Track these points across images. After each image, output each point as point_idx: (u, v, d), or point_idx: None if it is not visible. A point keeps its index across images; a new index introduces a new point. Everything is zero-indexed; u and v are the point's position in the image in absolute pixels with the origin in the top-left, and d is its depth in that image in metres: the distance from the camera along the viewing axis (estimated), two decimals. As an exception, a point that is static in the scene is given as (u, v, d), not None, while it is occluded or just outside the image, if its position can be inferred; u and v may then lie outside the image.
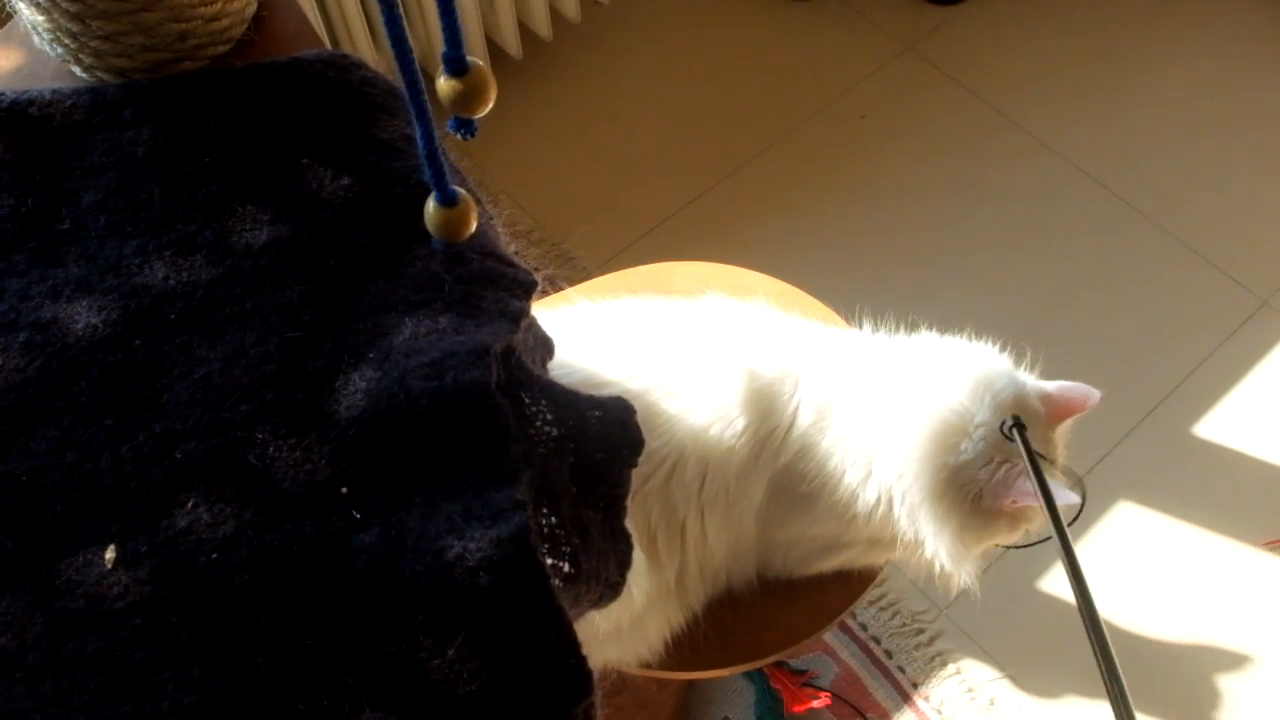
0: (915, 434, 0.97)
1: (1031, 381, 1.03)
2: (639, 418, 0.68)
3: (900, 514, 0.99)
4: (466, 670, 0.53)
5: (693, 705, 1.58)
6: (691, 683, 1.59)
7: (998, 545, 1.06)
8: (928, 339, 1.07)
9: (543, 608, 0.55)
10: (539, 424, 0.62)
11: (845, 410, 1.00)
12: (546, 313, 1.15)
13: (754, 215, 2.02)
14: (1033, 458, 0.90)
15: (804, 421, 1.01)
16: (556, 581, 0.59)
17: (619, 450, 0.64)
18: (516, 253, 0.76)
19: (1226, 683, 1.59)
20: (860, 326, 1.11)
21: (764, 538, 1.06)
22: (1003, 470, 0.95)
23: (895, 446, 0.98)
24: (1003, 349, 1.06)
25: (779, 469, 1.02)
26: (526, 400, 0.62)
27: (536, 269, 2.01)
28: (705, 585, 1.09)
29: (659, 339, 1.07)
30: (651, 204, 2.04)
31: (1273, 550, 1.68)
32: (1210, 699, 1.58)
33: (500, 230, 0.75)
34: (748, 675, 1.59)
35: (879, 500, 0.99)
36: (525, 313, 0.65)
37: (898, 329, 1.09)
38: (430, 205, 0.60)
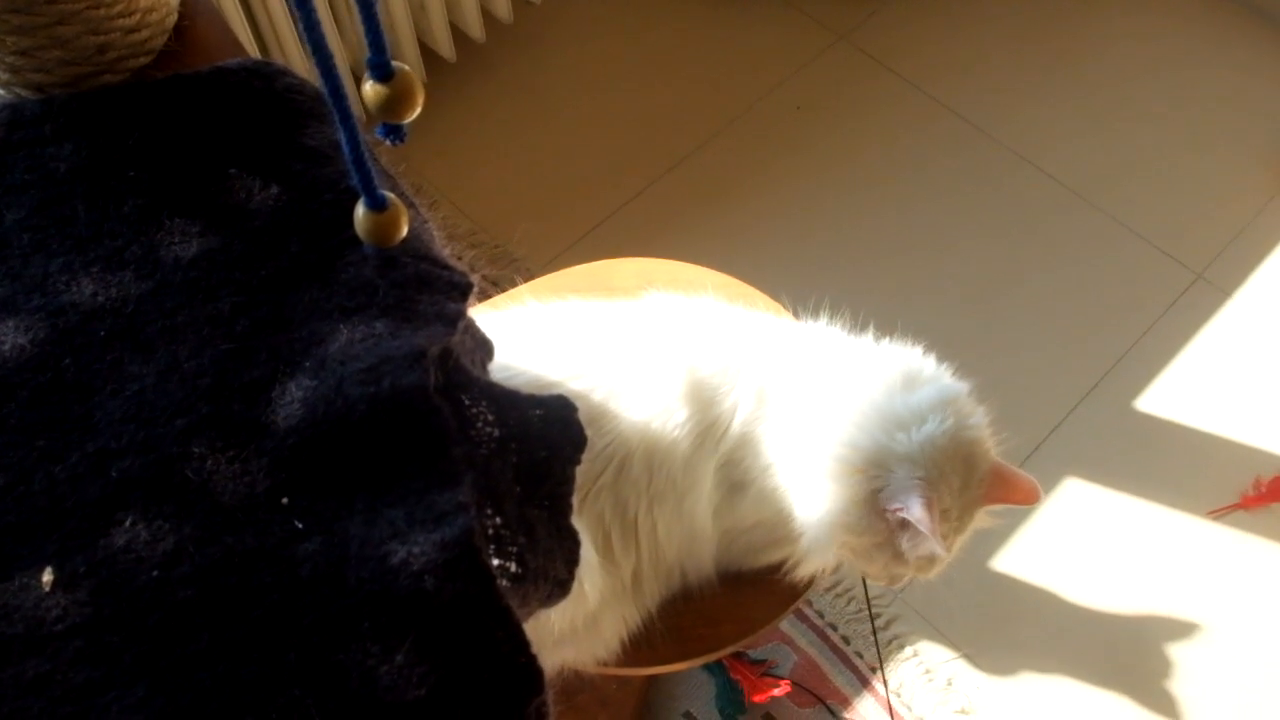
0: (858, 412, 0.98)
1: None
2: (582, 415, 0.68)
3: (802, 490, 1.00)
4: (415, 675, 0.53)
5: (654, 701, 1.58)
6: (652, 679, 1.59)
7: (857, 568, 1.07)
8: (899, 349, 1.06)
9: (489, 608, 0.54)
10: (480, 425, 0.61)
11: (786, 398, 1.01)
12: (493, 313, 1.15)
13: (694, 210, 2.03)
14: None
15: (744, 410, 1.01)
16: (504, 581, 0.59)
17: (562, 448, 0.64)
18: (454, 255, 0.76)
19: (1178, 651, 1.62)
20: (811, 318, 1.12)
21: (720, 528, 1.07)
22: (914, 482, 0.95)
23: (830, 425, 0.99)
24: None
25: (722, 458, 1.02)
26: (466, 402, 0.62)
27: (476, 271, 1.98)
28: (660, 583, 1.09)
29: (602, 338, 1.07)
30: (592, 202, 2.04)
31: (1217, 519, 1.72)
32: (1163, 668, 1.60)
33: (436, 232, 0.74)
34: (707, 668, 1.59)
35: (807, 495, 1.00)
36: (462, 315, 0.65)
37: (847, 323, 1.09)
38: (359, 211, 0.60)
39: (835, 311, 1.10)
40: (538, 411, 0.64)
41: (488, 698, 0.54)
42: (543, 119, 2.14)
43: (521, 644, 0.55)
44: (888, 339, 1.07)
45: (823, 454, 0.98)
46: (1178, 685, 1.59)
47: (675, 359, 1.03)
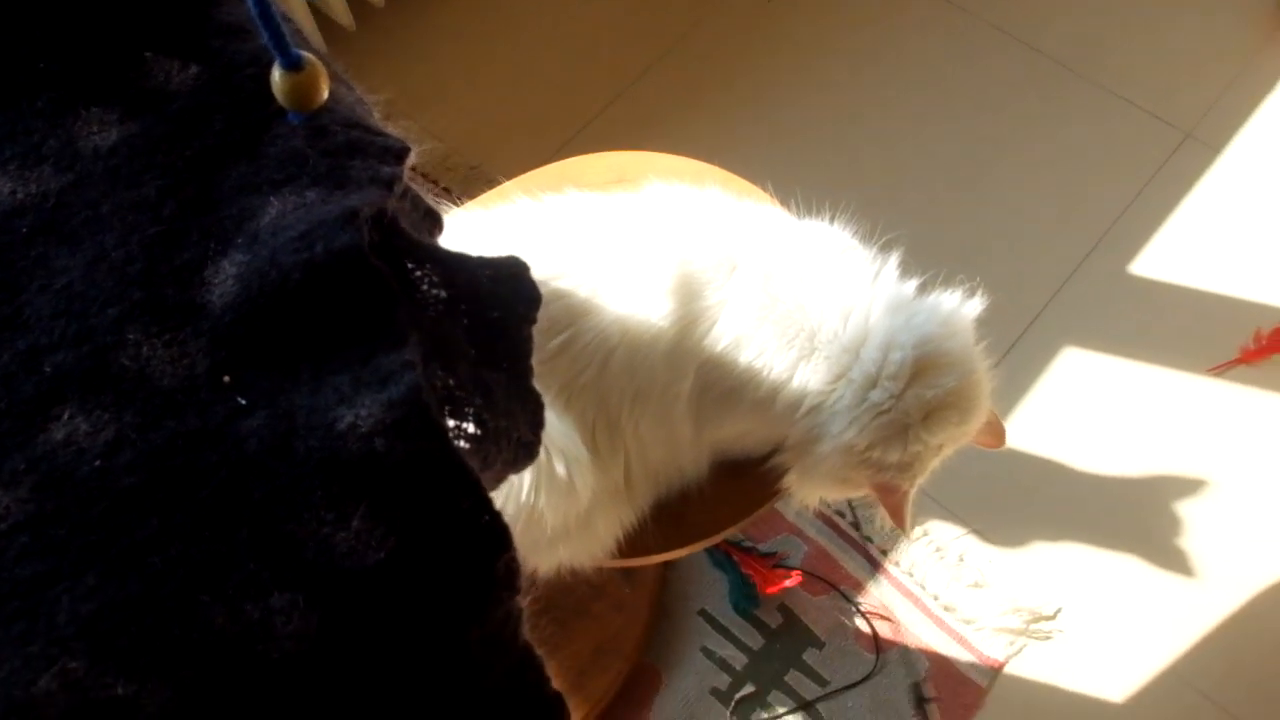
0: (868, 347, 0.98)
1: None
2: (563, 312, 0.65)
3: (810, 419, 1.00)
4: (374, 539, 0.51)
5: (668, 602, 1.58)
6: (665, 580, 1.59)
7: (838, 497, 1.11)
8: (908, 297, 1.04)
9: (444, 466, 0.52)
10: (425, 287, 0.59)
11: (778, 302, 0.97)
12: (481, 211, 1.12)
13: (671, 113, 1.99)
14: None
15: (734, 311, 0.97)
16: (461, 442, 0.57)
17: (515, 307, 0.62)
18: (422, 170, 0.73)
19: (1184, 508, 1.60)
20: (813, 216, 1.09)
21: (704, 437, 1.04)
22: (910, 462, 0.99)
23: (840, 351, 0.98)
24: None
25: (705, 360, 0.98)
26: (410, 265, 0.59)
27: (454, 194, 1.93)
28: (649, 485, 1.06)
29: (593, 232, 1.03)
30: (567, 113, 2.00)
31: (1218, 375, 1.69)
32: (1171, 526, 1.59)
33: (373, 110, 0.71)
34: (719, 565, 1.58)
35: (795, 405, 0.99)
36: (398, 178, 0.62)
37: (848, 222, 1.07)
38: (276, 73, 0.57)
39: (828, 203, 1.06)
40: (487, 271, 0.62)
41: (453, 556, 0.52)
42: (511, 32, 2.09)
43: (483, 501, 0.53)
44: (896, 254, 1.05)
45: (811, 377, 0.98)
46: (1186, 541, 1.58)
47: (667, 251, 0.99)
